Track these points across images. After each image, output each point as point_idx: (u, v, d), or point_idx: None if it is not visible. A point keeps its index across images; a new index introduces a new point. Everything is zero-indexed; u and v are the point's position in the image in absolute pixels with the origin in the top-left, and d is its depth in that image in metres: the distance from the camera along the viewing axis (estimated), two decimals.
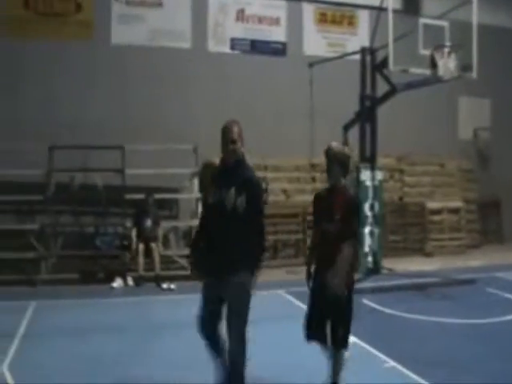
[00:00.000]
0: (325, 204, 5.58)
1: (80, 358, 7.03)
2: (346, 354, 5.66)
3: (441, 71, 12.03)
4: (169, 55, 14.78)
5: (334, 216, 5.40)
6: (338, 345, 5.57)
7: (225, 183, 5.18)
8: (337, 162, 5.52)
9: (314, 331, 5.62)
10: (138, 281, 11.90)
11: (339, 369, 5.64)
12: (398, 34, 12.05)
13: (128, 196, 12.73)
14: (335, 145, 5.65)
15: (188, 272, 11.84)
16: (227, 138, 5.23)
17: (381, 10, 12.56)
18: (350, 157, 5.77)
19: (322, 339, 5.62)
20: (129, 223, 12.59)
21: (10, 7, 14.00)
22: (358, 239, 5.63)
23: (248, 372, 5.24)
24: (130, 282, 11.86)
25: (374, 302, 10.10)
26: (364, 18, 16.55)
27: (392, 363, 6.83)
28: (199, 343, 5.36)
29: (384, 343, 7.59)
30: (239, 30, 15.73)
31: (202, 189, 5.46)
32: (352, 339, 7.69)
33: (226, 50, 15.58)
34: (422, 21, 12.47)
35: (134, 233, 12.22)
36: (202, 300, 5.32)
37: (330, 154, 5.55)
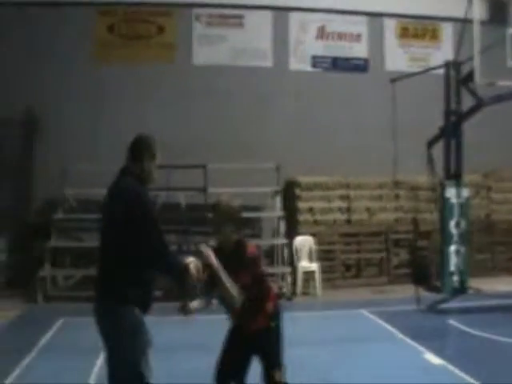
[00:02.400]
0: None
1: (165, 374, 7.05)
2: None
3: None
4: (250, 74, 14.88)
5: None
6: None
7: None
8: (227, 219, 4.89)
9: None
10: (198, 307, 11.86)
11: None
12: (484, 46, 11.76)
13: (210, 215, 12.75)
14: (225, 199, 5.01)
15: None
16: None
17: (465, 21, 12.28)
18: (240, 210, 5.05)
19: None
20: (212, 242, 12.61)
21: (95, 32, 14.44)
22: None
23: None
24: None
25: (462, 323, 9.77)
26: (447, 31, 16.21)
27: None
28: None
29: (472, 366, 7.30)
30: (320, 48, 15.69)
31: None
32: (440, 361, 7.56)
33: (308, 68, 15.55)
34: (511, 31, 12.11)
35: None
36: None
37: (218, 209, 4.94)
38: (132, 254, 4.23)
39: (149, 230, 4.25)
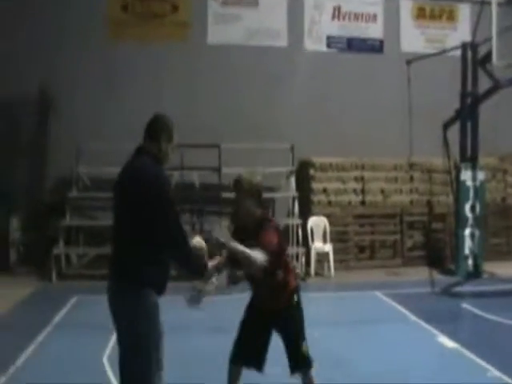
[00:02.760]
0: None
1: (176, 353, 7.05)
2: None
3: None
4: (265, 54, 14.77)
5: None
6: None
7: None
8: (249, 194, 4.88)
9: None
10: (235, 279, 11.91)
11: None
12: (501, 27, 11.62)
13: (224, 195, 12.81)
14: (245, 175, 5.03)
15: None
16: None
17: (483, 2, 12.12)
18: (261, 185, 5.04)
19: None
20: (225, 222, 12.65)
21: (109, 10, 14.37)
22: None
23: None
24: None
25: (476, 306, 9.72)
26: (464, 12, 16.01)
27: (496, 372, 6.54)
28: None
29: (486, 350, 7.28)
30: (335, 28, 15.54)
31: None
32: (453, 345, 7.54)
33: (323, 48, 15.42)
34: None
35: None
36: None
37: (240, 185, 4.94)
38: (148, 235, 4.12)
39: (166, 211, 4.14)
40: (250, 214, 4.85)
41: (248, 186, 4.86)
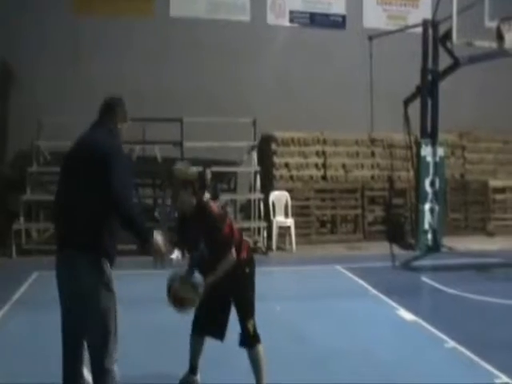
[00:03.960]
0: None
1: (139, 326, 7.08)
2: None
3: (507, 44, 11.64)
4: (228, 28, 14.66)
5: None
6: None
7: None
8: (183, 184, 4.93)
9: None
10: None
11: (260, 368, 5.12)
12: (462, 6, 11.73)
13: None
14: (178, 166, 5.13)
15: None
16: None
17: None
18: (194, 175, 5.06)
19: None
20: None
21: None
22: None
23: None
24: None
25: (435, 280, 9.93)
26: None
27: (453, 344, 6.68)
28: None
29: (445, 323, 7.42)
30: (298, 3, 15.47)
31: None
32: (413, 317, 7.69)
33: (285, 23, 15.37)
34: None
35: None
36: None
37: (173, 176, 5.01)
38: (103, 205, 4.11)
39: (114, 170, 4.12)
40: (186, 204, 4.95)
41: (182, 177, 4.94)
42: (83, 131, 4.55)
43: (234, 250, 4.92)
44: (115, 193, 4.09)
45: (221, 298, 5.09)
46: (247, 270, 5.10)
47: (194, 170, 5.09)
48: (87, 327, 4.28)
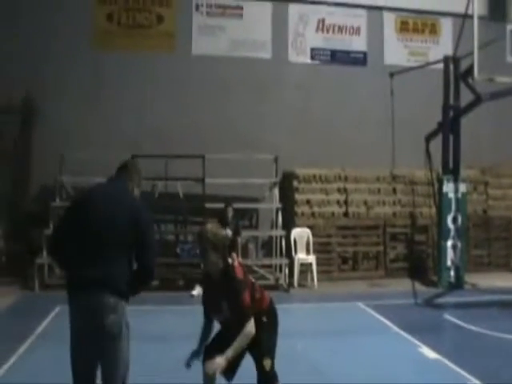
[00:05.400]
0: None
1: (163, 361, 7.07)
2: None
3: None
4: (249, 65, 14.85)
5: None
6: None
7: None
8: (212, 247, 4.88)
9: None
10: None
11: None
12: (483, 42, 11.77)
13: (208, 205, 12.83)
14: (210, 227, 5.01)
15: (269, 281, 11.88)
16: None
17: (465, 16, 12.27)
18: (226, 238, 5.08)
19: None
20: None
21: (94, 20, 14.41)
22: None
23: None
24: None
25: (457, 317, 9.81)
26: (447, 26, 16.20)
27: (475, 381, 6.59)
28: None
29: (467, 360, 7.33)
30: (319, 40, 15.67)
31: None
32: (435, 355, 7.60)
33: (307, 60, 15.53)
34: (510, 27, 12.10)
35: None
36: None
37: (202, 237, 4.93)
38: (130, 253, 4.39)
39: (150, 233, 4.52)
40: (214, 265, 4.93)
41: (212, 239, 4.89)
42: (108, 167, 4.68)
43: (252, 321, 4.80)
44: (147, 259, 4.41)
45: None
46: (264, 319, 5.06)
47: (224, 232, 5.12)
48: (110, 362, 4.36)
